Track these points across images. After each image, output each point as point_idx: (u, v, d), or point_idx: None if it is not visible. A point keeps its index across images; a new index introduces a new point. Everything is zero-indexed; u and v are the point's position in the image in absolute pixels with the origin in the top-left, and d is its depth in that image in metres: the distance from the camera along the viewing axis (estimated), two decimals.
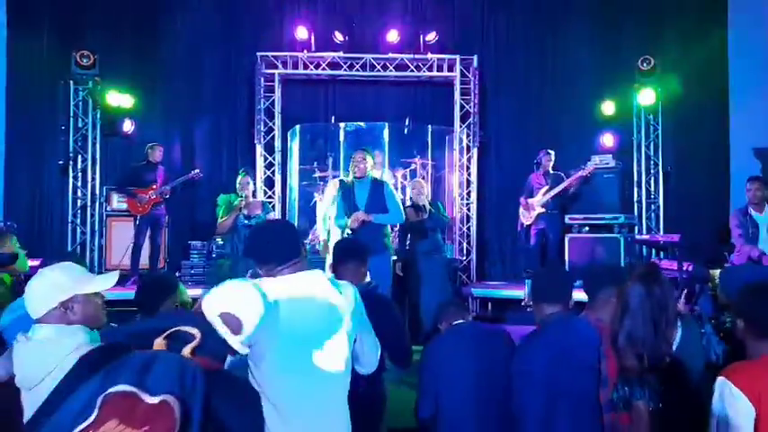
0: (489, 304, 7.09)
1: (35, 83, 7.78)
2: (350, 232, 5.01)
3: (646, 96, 7.66)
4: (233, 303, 1.60)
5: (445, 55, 8.15)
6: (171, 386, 1.24)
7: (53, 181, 7.88)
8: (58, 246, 7.51)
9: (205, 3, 8.36)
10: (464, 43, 8.35)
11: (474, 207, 8.20)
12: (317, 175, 7.79)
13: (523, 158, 7.75)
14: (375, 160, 5.58)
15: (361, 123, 8.12)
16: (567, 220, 7.13)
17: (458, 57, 8.12)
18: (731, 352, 2.39)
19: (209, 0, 8.39)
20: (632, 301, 2.10)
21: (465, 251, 8.13)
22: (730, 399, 1.79)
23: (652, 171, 8.00)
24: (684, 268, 4.98)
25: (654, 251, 7.12)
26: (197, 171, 7.13)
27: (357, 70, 8.14)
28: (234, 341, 1.55)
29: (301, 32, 8.05)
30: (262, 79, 8.07)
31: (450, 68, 8.17)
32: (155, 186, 6.74)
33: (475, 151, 8.19)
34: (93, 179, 7.81)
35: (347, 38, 8.15)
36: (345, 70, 8.16)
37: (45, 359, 1.71)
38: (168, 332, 1.41)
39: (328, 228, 5.55)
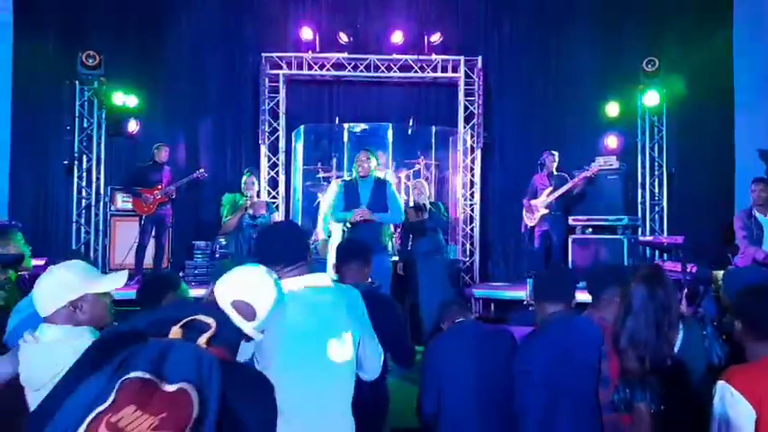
0: (492, 305, 7.08)
1: (40, 83, 7.80)
2: (349, 226, 5.07)
3: (650, 98, 7.64)
4: (245, 290, 1.59)
5: (449, 56, 8.15)
6: (188, 375, 1.22)
7: (58, 181, 7.91)
8: (62, 245, 7.54)
9: (210, 3, 8.39)
10: (468, 44, 8.34)
11: (477, 208, 8.20)
12: (321, 175, 7.80)
13: (527, 159, 7.73)
14: (379, 161, 5.62)
15: (365, 125, 8.11)
16: (570, 221, 7.11)
17: (462, 58, 8.13)
18: (733, 354, 2.39)
19: (213, 1, 8.41)
20: (635, 302, 2.10)
21: (468, 252, 8.13)
22: (731, 402, 1.79)
23: (656, 172, 7.98)
24: (688, 270, 4.97)
25: (657, 253, 7.09)
26: (202, 171, 7.15)
27: (361, 71, 8.16)
28: (248, 327, 1.55)
29: (306, 33, 8.07)
30: (266, 80, 8.08)
31: (455, 69, 8.18)
32: (160, 186, 6.76)
33: (478, 152, 8.18)
34: (98, 179, 7.84)
35: (351, 39, 8.17)
36: (350, 71, 8.18)
37: (53, 361, 1.69)
38: (184, 321, 1.40)
39: (329, 229, 5.57)
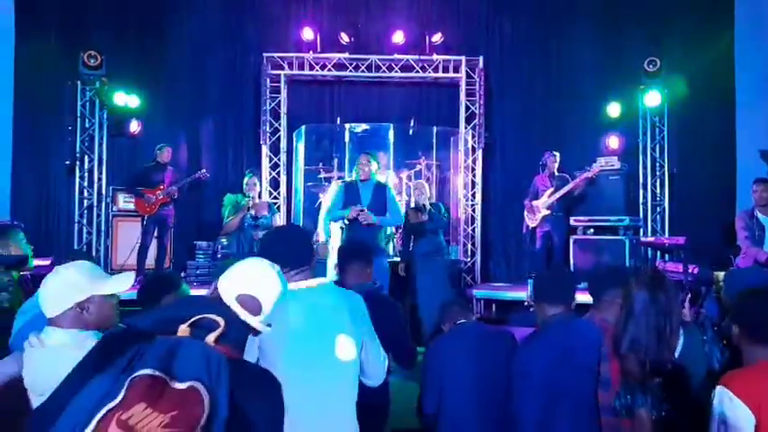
0: (493, 306, 7.08)
1: (42, 83, 7.79)
2: (347, 223, 5.11)
3: (651, 98, 7.63)
4: (250, 283, 1.58)
5: (450, 56, 8.15)
6: (197, 373, 1.21)
7: (60, 181, 7.91)
8: (64, 246, 7.54)
9: (211, 3, 8.40)
10: (470, 45, 8.34)
11: (479, 208, 8.20)
12: (323, 175, 7.81)
13: (528, 160, 7.72)
14: (380, 164, 5.65)
15: (366, 126, 8.11)
16: (571, 222, 7.11)
17: (463, 58, 8.12)
18: (733, 358, 2.39)
19: (215, 1, 8.42)
20: (636, 306, 2.09)
21: (469, 252, 8.13)
22: (730, 406, 1.79)
23: (657, 173, 7.97)
24: (690, 271, 4.97)
25: (659, 253, 7.09)
26: (203, 171, 7.16)
27: (363, 71, 8.16)
28: (254, 321, 1.54)
29: (307, 33, 8.08)
30: (267, 80, 8.09)
31: (456, 70, 8.17)
32: (162, 186, 6.77)
33: (480, 152, 8.18)
34: (100, 179, 7.85)
35: (353, 39, 8.17)
36: (351, 71, 8.18)
37: (58, 367, 1.62)
38: (193, 319, 1.40)
39: (330, 230, 5.59)
